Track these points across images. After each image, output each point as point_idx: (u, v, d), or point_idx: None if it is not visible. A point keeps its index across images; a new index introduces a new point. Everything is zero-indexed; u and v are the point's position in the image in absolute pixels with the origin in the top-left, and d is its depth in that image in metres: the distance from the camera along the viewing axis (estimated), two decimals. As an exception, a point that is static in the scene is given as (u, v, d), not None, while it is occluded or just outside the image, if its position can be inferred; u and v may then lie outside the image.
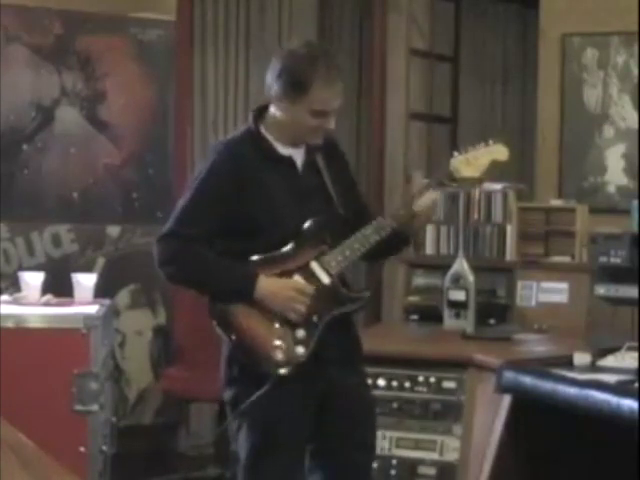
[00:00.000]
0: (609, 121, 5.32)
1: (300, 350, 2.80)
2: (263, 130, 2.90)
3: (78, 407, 3.62)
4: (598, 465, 3.21)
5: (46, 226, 5.30)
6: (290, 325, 2.82)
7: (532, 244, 4.49)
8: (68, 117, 5.33)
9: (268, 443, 2.83)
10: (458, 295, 4.14)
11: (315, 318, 2.83)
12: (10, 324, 3.64)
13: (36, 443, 2.22)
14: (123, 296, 5.43)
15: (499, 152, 3.05)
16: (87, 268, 5.09)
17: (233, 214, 2.82)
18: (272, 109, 2.88)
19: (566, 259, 4.41)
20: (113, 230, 5.44)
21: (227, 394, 2.90)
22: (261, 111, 2.92)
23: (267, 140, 2.89)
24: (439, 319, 4.22)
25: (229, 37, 5.72)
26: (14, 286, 4.37)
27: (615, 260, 3.99)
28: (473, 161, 3.00)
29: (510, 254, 4.49)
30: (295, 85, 2.80)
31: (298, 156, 2.92)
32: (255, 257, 2.83)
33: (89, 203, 5.38)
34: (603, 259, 4.03)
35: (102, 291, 4.25)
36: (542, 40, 5.47)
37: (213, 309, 2.88)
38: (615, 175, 5.31)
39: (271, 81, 2.84)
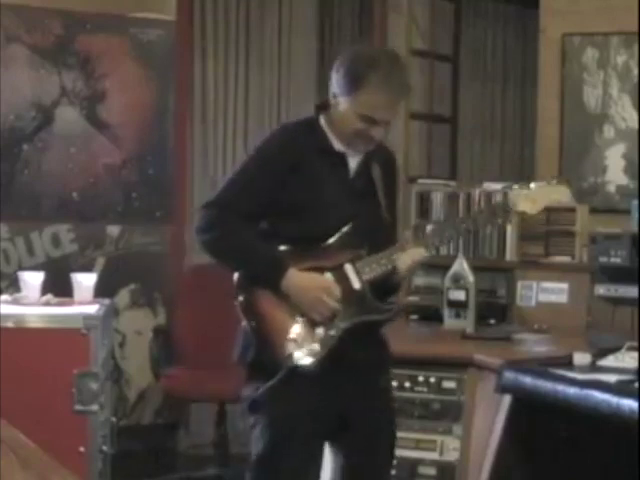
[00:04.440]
0: (609, 121, 5.32)
1: (315, 348, 2.76)
2: (322, 122, 2.88)
3: (78, 407, 3.62)
4: (598, 465, 3.21)
5: (46, 226, 5.30)
6: (311, 321, 2.78)
7: (532, 244, 4.48)
8: (68, 117, 5.33)
9: (283, 439, 2.81)
10: (458, 295, 4.14)
11: (338, 321, 2.79)
12: (10, 324, 3.63)
13: (36, 443, 2.22)
14: (123, 296, 5.43)
15: (561, 193, 2.98)
16: (87, 268, 5.09)
17: (277, 196, 2.79)
18: (332, 104, 2.85)
19: (566, 259, 4.41)
20: (113, 230, 5.44)
21: (245, 391, 2.89)
22: (325, 106, 2.89)
23: (324, 132, 2.86)
24: (439, 319, 4.22)
25: (229, 37, 5.73)
26: (14, 286, 4.37)
27: (615, 260, 3.99)
28: (533, 197, 2.94)
29: (510, 254, 4.49)
30: (348, 82, 2.77)
31: (353, 157, 2.88)
32: (292, 247, 2.80)
33: (89, 203, 5.38)
34: (603, 259, 4.03)
35: (102, 291, 4.24)
36: (542, 40, 5.47)
37: (239, 288, 2.83)
38: (615, 175, 5.31)
39: (332, 75, 2.83)
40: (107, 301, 4.13)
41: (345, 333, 2.80)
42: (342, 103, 2.80)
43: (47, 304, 3.95)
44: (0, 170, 5.17)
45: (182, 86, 5.53)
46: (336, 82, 2.80)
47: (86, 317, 3.69)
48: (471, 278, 4.15)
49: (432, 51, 6.26)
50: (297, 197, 2.79)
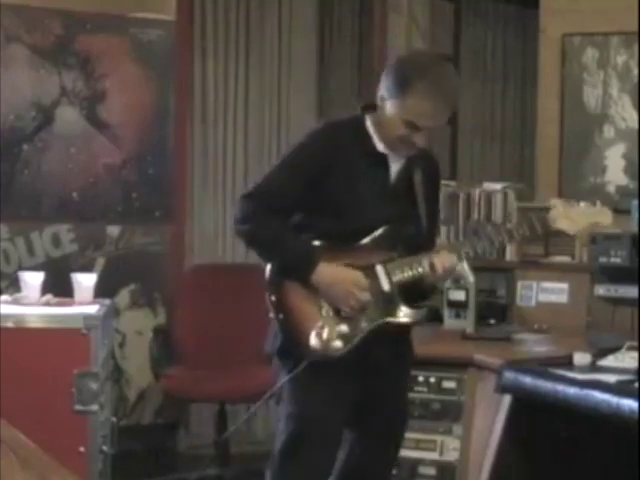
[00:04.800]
0: (609, 121, 5.32)
1: (337, 344, 2.78)
2: (368, 124, 2.89)
3: (78, 407, 3.61)
4: (598, 465, 3.21)
5: (46, 226, 5.29)
6: (337, 317, 2.81)
7: (532, 244, 4.48)
8: (68, 117, 5.33)
9: (305, 429, 2.85)
10: (458, 295, 4.14)
11: (364, 319, 2.83)
12: (10, 324, 3.63)
13: (36, 443, 2.22)
14: (123, 296, 5.43)
15: (603, 216, 2.95)
16: (87, 268, 5.08)
17: (315, 192, 2.82)
18: (379, 106, 2.86)
19: (566, 259, 4.41)
20: (113, 230, 5.44)
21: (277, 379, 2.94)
22: (372, 106, 2.90)
23: (368, 134, 2.88)
24: (439, 319, 4.22)
25: (229, 37, 5.72)
26: (14, 286, 4.36)
27: (615, 260, 3.99)
28: (574, 217, 2.92)
29: (510, 254, 4.49)
30: (395, 85, 2.77)
31: (396, 161, 2.90)
32: (326, 242, 2.84)
33: (89, 203, 5.38)
34: (603, 259, 4.03)
35: (102, 291, 4.24)
36: (542, 40, 5.47)
37: (270, 282, 2.87)
38: (615, 175, 5.31)
39: (382, 77, 2.83)
40: (107, 301, 4.13)
41: (370, 333, 2.83)
42: (389, 107, 2.81)
43: (47, 304, 3.95)
44: (0, 170, 5.17)
45: (182, 86, 5.53)
46: (384, 85, 2.81)
47: (86, 317, 3.69)
48: (471, 278, 4.15)
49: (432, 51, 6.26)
50: (335, 195, 2.82)
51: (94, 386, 3.63)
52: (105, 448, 3.85)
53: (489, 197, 4.55)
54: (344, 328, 2.80)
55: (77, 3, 5.29)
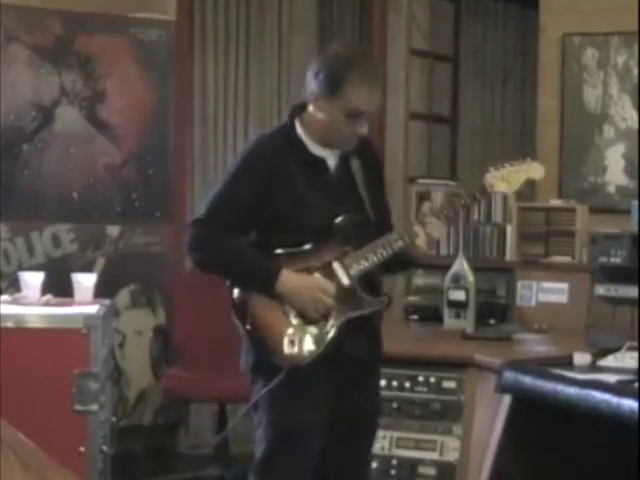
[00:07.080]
0: (609, 121, 5.32)
1: (311, 347, 2.82)
2: (298, 128, 2.94)
3: (78, 407, 3.61)
4: (598, 465, 3.21)
5: (46, 226, 5.29)
6: (305, 321, 2.84)
7: (532, 244, 4.49)
8: (68, 117, 5.33)
9: (285, 439, 2.86)
10: (458, 295, 4.14)
11: (330, 318, 2.86)
12: (10, 324, 3.63)
13: (36, 443, 2.22)
14: (123, 296, 5.43)
15: (535, 170, 3.10)
16: (87, 268, 5.08)
17: (262, 210, 2.86)
18: (310, 108, 2.91)
19: (566, 259, 4.41)
20: (113, 230, 5.44)
21: (253, 393, 2.94)
22: (300, 108, 2.95)
23: (301, 139, 2.93)
24: (439, 319, 4.22)
25: (229, 37, 5.73)
26: (14, 286, 4.36)
27: (615, 260, 3.99)
28: (508, 178, 3.03)
29: (510, 254, 4.50)
30: (330, 83, 2.82)
31: (332, 157, 2.94)
32: (279, 251, 2.87)
33: (89, 203, 5.38)
34: (603, 259, 4.03)
35: (102, 291, 4.24)
36: (542, 40, 5.48)
37: (232, 297, 2.90)
38: (615, 175, 5.31)
39: (309, 80, 2.88)
40: (107, 301, 4.13)
41: (339, 330, 2.86)
42: (325, 106, 2.85)
43: (47, 304, 3.94)
44: (0, 170, 5.17)
45: (182, 86, 5.53)
46: (317, 86, 2.85)
47: (86, 317, 3.68)
48: (471, 278, 4.15)
49: (432, 51, 6.26)
50: (281, 210, 2.85)
51: (94, 386, 3.63)
52: (105, 448, 3.85)
53: (489, 197, 4.55)
54: (314, 330, 2.84)
55: (77, 3, 5.29)
